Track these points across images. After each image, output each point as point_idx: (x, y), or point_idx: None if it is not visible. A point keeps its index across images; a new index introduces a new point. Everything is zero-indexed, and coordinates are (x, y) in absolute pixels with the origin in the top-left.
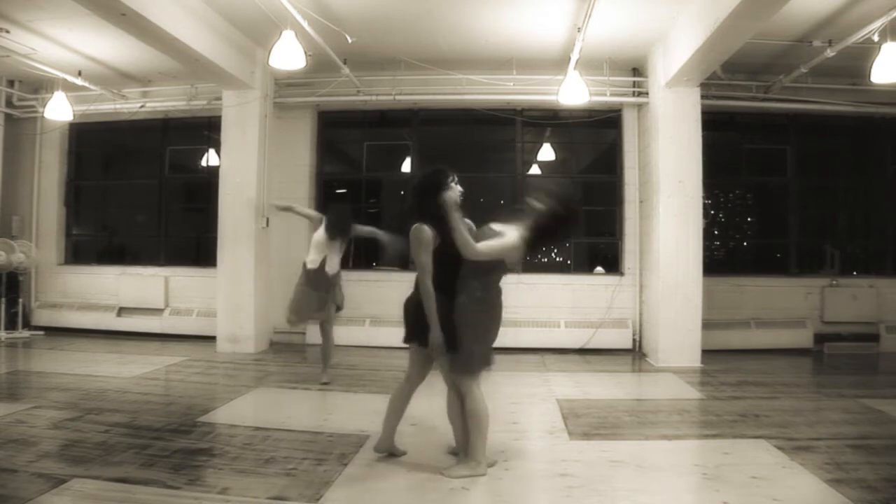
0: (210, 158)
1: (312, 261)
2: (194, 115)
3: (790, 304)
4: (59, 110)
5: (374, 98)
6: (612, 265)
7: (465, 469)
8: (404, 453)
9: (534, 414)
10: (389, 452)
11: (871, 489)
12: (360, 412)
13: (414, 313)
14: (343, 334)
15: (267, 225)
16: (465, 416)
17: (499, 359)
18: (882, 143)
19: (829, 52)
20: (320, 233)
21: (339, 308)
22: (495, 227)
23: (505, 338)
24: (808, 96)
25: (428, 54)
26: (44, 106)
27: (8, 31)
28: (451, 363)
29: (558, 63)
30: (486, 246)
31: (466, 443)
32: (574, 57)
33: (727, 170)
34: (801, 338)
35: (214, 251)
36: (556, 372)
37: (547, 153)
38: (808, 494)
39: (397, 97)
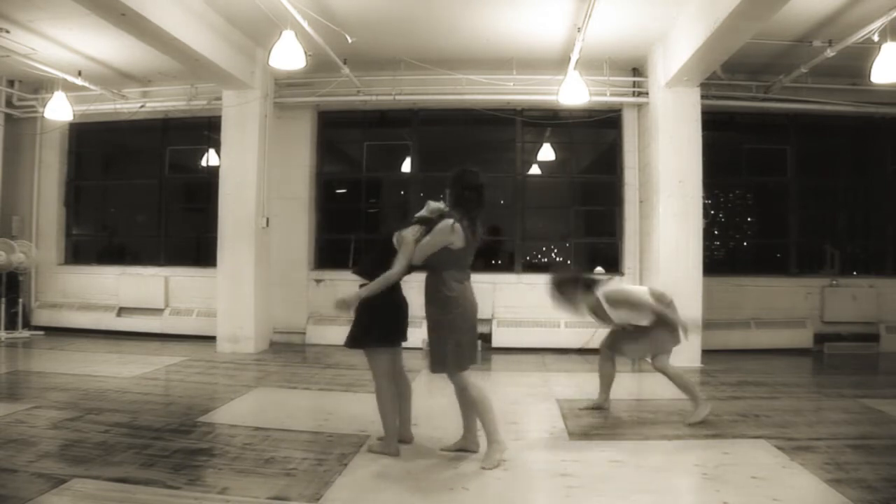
0: (210, 158)
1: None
2: (194, 115)
3: (790, 304)
4: (59, 110)
5: (374, 98)
6: (612, 265)
7: (494, 454)
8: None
9: (534, 414)
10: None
11: (871, 489)
12: (360, 412)
13: (364, 316)
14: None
15: (267, 225)
16: (465, 406)
17: (499, 359)
18: (882, 143)
19: (829, 52)
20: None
21: None
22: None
23: (505, 338)
24: (808, 96)
25: (428, 54)
26: (44, 106)
27: (8, 31)
28: (429, 363)
29: (558, 63)
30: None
31: (469, 431)
32: (574, 57)
33: (727, 170)
34: (801, 338)
35: (214, 251)
36: (556, 372)
37: (547, 153)
38: (808, 494)
39: (397, 97)
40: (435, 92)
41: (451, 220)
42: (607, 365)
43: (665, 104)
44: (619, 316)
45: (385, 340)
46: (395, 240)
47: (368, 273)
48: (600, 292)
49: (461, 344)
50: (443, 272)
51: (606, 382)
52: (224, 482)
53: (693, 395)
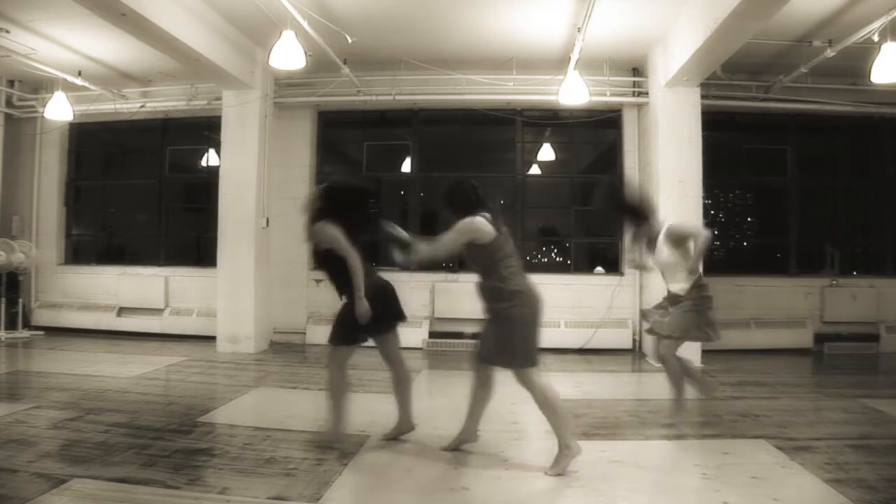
0: (210, 158)
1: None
2: (194, 115)
3: (790, 304)
4: (59, 110)
5: (374, 98)
6: (612, 265)
7: (563, 460)
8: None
9: (534, 414)
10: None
11: (871, 489)
12: (360, 412)
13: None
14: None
15: (267, 225)
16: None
17: None
18: (882, 143)
19: (829, 52)
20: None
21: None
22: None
23: None
24: (808, 96)
25: (428, 54)
26: (44, 106)
27: (8, 31)
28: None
29: (558, 63)
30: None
31: (470, 429)
32: (574, 57)
33: (727, 170)
34: (801, 338)
35: (214, 251)
36: (556, 372)
37: (547, 153)
38: (808, 494)
39: (397, 97)
40: (435, 92)
41: (472, 218)
42: (673, 366)
43: (665, 104)
44: (662, 257)
45: (382, 329)
46: (318, 243)
47: (344, 284)
48: (665, 224)
49: (529, 338)
50: (499, 269)
51: (676, 381)
52: (224, 482)
53: (679, 397)
